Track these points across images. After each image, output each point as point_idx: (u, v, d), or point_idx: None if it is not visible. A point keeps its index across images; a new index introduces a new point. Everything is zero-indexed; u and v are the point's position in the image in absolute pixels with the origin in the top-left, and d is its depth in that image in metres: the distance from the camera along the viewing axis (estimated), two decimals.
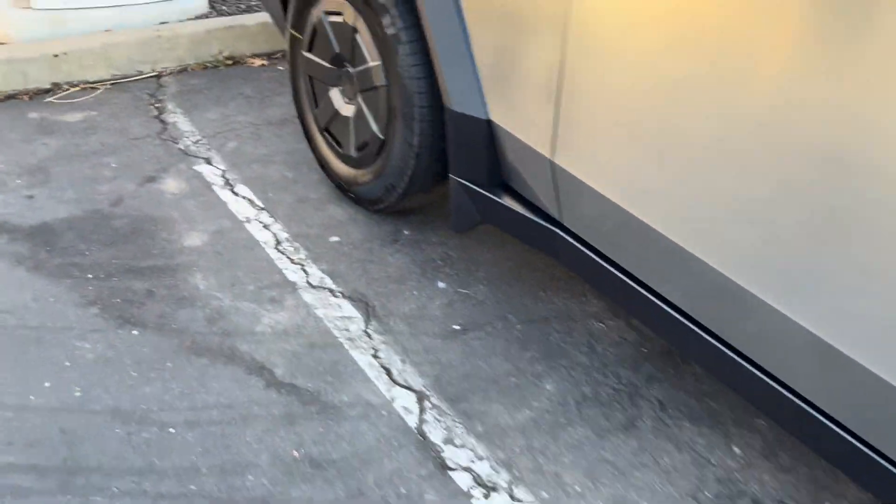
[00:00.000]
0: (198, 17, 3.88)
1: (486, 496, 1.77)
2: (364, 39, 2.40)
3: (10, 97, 3.33)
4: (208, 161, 2.99)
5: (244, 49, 3.82)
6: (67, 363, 2.03)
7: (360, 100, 2.52)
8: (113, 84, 3.49)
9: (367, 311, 2.30)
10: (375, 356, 2.14)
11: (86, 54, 3.44)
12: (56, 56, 3.37)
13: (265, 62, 3.80)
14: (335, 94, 2.66)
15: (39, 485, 1.71)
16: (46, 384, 1.97)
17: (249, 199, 2.77)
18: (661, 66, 1.60)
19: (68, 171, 2.86)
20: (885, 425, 1.43)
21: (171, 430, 1.87)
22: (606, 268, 1.97)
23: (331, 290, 2.37)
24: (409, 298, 2.36)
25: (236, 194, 2.79)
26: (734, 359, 1.67)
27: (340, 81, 2.62)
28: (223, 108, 3.36)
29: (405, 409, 1.98)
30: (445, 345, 2.20)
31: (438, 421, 1.95)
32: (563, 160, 1.93)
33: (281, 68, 3.79)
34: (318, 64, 2.66)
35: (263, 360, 2.08)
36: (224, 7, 4.06)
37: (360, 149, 2.61)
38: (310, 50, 2.70)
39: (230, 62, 3.77)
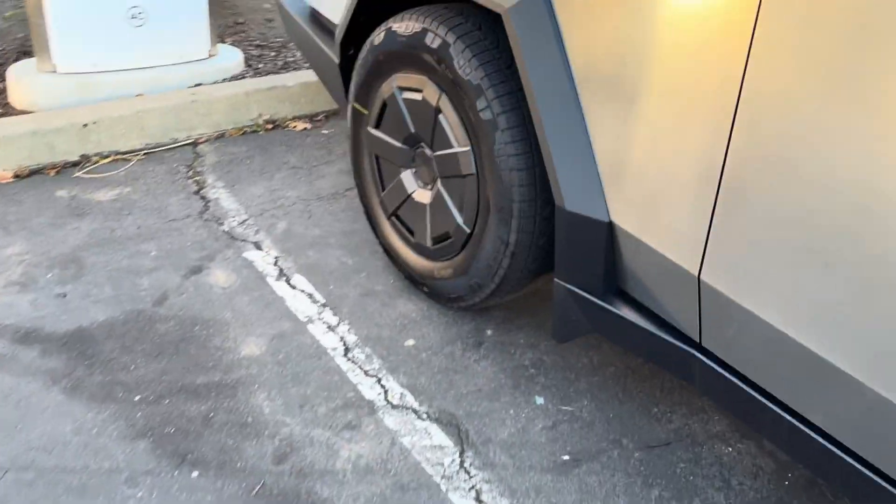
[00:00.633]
0: (234, 78, 3.61)
1: None
2: (449, 121, 2.11)
3: (36, 172, 3.04)
4: (258, 246, 2.69)
5: (285, 111, 3.54)
6: None
7: (440, 186, 2.23)
8: (146, 154, 3.20)
9: (461, 439, 1.98)
10: (479, 500, 1.82)
11: (117, 122, 3.15)
12: (85, 126, 3.08)
13: (308, 125, 3.52)
14: (408, 178, 2.37)
15: None
16: None
17: (309, 294, 2.46)
18: (870, 176, 1.30)
19: (104, 261, 2.56)
20: None
21: None
22: (753, 395, 1.67)
23: (415, 411, 2.05)
24: (507, 420, 2.04)
25: (293, 287, 2.49)
26: None
27: (415, 164, 2.33)
28: (268, 182, 3.07)
29: None
30: (557, 482, 1.87)
31: None
32: (712, 278, 1.62)
33: (326, 132, 3.50)
34: (388, 143, 2.37)
35: None
36: (261, 65, 3.79)
37: (438, 240, 2.31)
38: (377, 126, 2.41)
39: (270, 126, 3.49)
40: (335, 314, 2.38)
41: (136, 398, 2.03)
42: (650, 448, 2.00)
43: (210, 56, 3.60)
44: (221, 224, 2.79)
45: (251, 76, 3.65)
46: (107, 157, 3.14)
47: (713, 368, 1.74)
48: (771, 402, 1.65)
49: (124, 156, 3.16)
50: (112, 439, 1.91)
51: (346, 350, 2.24)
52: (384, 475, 1.86)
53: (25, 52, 3.72)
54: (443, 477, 1.87)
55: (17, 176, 2.99)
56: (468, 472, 1.89)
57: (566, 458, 1.95)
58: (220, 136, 3.37)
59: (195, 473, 1.83)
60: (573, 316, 2.01)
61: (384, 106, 2.35)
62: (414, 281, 2.47)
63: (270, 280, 2.51)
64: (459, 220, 2.18)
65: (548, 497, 1.83)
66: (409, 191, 2.36)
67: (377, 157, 2.47)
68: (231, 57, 3.70)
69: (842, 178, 1.34)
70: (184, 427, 1.95)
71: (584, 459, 1.95)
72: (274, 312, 2.36)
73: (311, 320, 2.34)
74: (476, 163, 2.07)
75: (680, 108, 1.57)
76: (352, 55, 2.59)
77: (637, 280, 1.85)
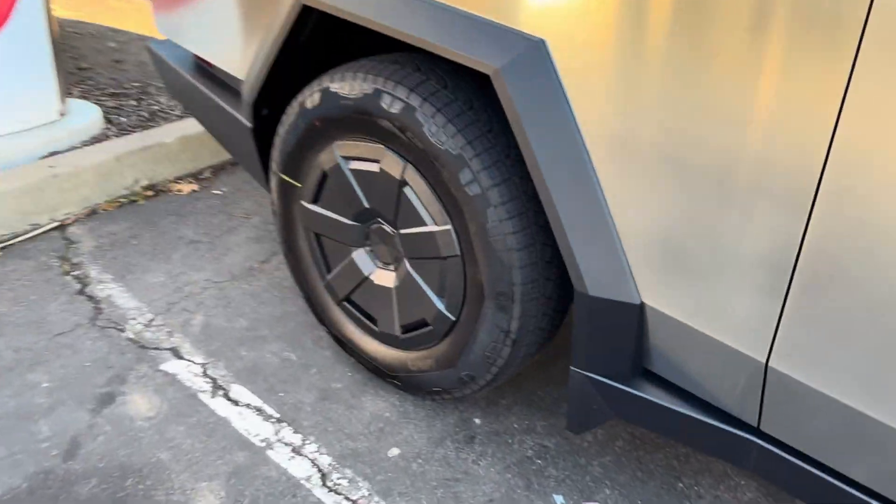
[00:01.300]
0: (94, 140, 3.05)
1: None
2: (420, 196, 1.78)
3: None
4: (176, 353, 2.23)
5: (165, 173, 3.03)
6: None
7: (409, 268, 1.90)
8: (2, 250, 2.62)
9: None
10: None
11: None
12: None
13: (195, 186, 3.03)
14: (361, 258, 2.01)
15: None
16: None
17: (257, 408, 2.05)
18: None
19: None
20: None
21: None
22: (824, 477, 1.50)
23: None
24: None
25: (235, 402, 2.07)
26: None
27: (370, 241, 1.99)
28: (166, 265, 2.59)
29: None
30: None
31: None
32: (785, 364, 1.42)
33: (218, 192, 3.03)
34: (332, 220, 2.01)
35: None
36: (122, 118, 3.24)
37: (409, 329, 1.99)
38: (315, 201, 2.04)
39: (151, 193, 2.97)
40: (296, 430, 1.99)
41: None
42: None
43: (61, 116, 3.02)
44: (123, 330, 2.30)
45: (115, 135, 3.10)
46: None
47: (776, 453, 1.56)
48: (845, 483, 1.49)
49: None
50: None
51: (324, 477, 1.87)
52: None
53: None
54: None
55: None
56: None
57: None
58: (93, 214, 2.82)
59: None
60: (593, 405, 1.76)
61: (324, 177, 1.99)
62: (380, 373, 2.13)
63: (205, 397, 2.08)
64: (440, 306, 1.87)
65: None
66: (366, 273, 2.02)
67: (317, 236, 2.10)
68: (86, 114, 3.13)
69: None
70: None
71: None
72: (221, 441, 1.94)
73: (269, 444, 1.95)
74: (460, 243, 1.76)
75: (745, 180, 1.34)
76: (266, 115, 2.19)
77: (675, 363, 1.63)
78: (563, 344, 2.22)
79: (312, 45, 2.02)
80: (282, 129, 2.02)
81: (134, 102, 3.40)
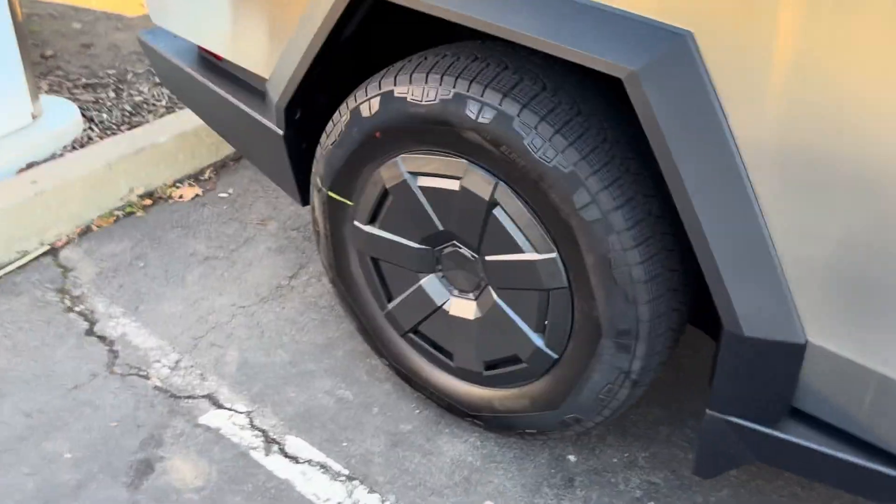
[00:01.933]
0: (77, 144, 2.66)
1: None
2: (516, 220, 1.49)
3: None
4: (214, 400, 1.93)
5: (162, 177, 2.67)
6: None
7: (497, 299, 1.62)
8: None
9: None
10: None
11: None
12: None
13: (199, 191, 2.68)
14: (432, 285, 1.73)
15: None
16: None
17: (321, 464, 1.77)
18: None
19: None
20: None
21: None
22: None
23: None
24: None
25: (295, 459, 1.78)
26: None
27: (442, 267, 1.70)
28: (181, 289, 2.27)
29: None
30: None
31: None
32: None
33: (224, 195, 2.68)
34: (395, 243, 1.71)
35: None
36: (103, 114, 2.84)
37: (495, 365, 1.72)
38: (372, 221, 1.73)
39: (149, 202, 2.62)
40: (371, 489, 1.73)
41: None
42: None
43: (34, 119, 2.62)
44: (147, 376, 1.99)
45: (98, 135, 2.72)
46: None
47: None
48: None
49: None
50: None
51: None
52: None
53: None
54: None
55: None
56: None
57: None
58: (86, 232, 2.46)
59: None
60: (730, 449, 1.53)
61: (384, 195, 1.68)
62: (456, 411, 1.86)
63: (258, 455, 1.79)
64: (538, 342, 1.60)
65: None
66: (438, 302, 1.73)
67: (374, 260, 1.81)
68: (62, 113, 2.73)
69: None
70: None
71: None
72: None
73: None
74: (568, 274, 1.49)
75: None
76: (299, 119, 1.86)
77: (838, 404, 1.39)
78: None
79: (357, 40, 1.69)
80: (327, 140, 1.70)
81: (113, 94, 3.00)
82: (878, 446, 1.39)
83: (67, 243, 2.42)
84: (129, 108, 2.92)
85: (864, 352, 1.29)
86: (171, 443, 1.82)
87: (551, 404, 1.66)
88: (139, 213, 2.57)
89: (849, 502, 1.75)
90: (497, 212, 1.51)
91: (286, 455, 1.80)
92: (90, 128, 2.76)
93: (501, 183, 1.47)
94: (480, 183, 1.50)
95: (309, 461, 1.79)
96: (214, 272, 2.34)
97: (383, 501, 1.70)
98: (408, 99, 1.51)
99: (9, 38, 2.49)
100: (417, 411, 1.92)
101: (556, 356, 1.59)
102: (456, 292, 1.71)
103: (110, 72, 3.15)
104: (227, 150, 2.83)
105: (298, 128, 1.87)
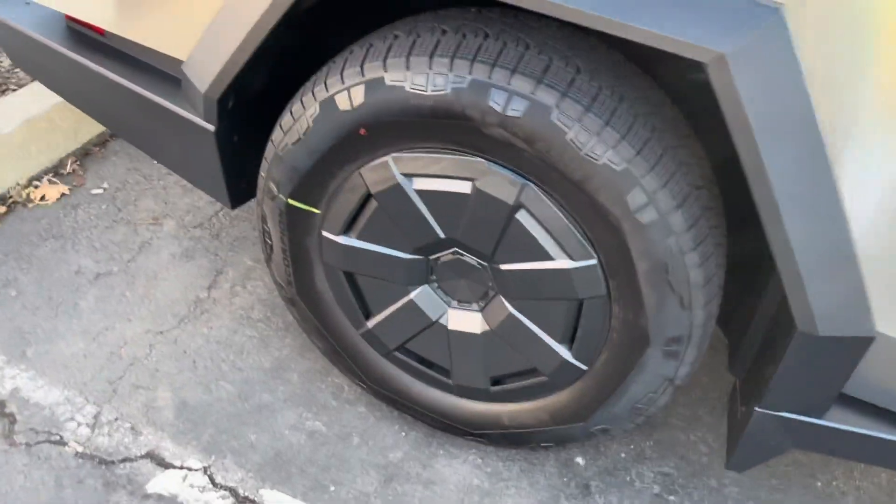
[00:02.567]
0: None
1: None
2: (549, 226, 1.27)
3: None
4: (157, 459, 1.57)
5: (14, 175, 2.14)
6: None
7: (511, 310, 1.40)
8: None
9: None
10: None
11: None
12: None
13: (65, 190, 2.17)
14: (426, 298, 1.48)
15: None
16: None
17: None
18: None
19: None
20: None
21: None
22: None
23: None
24: None
25: None
26: None
27: (438, 277, 1.45)
28: (76, 320, 1.83)
29: None
30: None
31: None
32: None
33: (98, 191, 2.20)
34: (378, 255, 1.43)
35: None
36: None
37: (503, 380, 1.52)
38: (346, 231, 1.44)
39: (3, 208, 2.10)
40: None
41: None
42: None
43: None
44: (62, 442, 1.59)
45: None
46: None
47: None
48: None
49: None
50: None
51: None
52: None
53: None
54: None
55: None
56: None
57: None
58: None
59: None
60: (772, 442, 1.45)
61: (365, 201, 1.39)
62: (454, 430, 1.65)
63: None
64: (565, 354, 1.41)
65: None
66: (433, 316, 1.49)
67: (349, 275, 1.52)
68: None
69: None
70: None
71: None
72: None
73: None
74: (608, 282, 1.30)
75: None
76: (231, 109, 1.50)
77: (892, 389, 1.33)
78: None
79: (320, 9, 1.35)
80: (285, 138, 1.37)
81: None
82: None
83: None
84: None
85: None
86: None
87: (577, 417, 1.49)
88: None
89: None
90: (522, 216, 1.28)
91: None
92: None
93: (531, 185, 1.24)
94: (502, 185, 1.26)
95: None
96: (113, 293, 1.93)
97: None
98: (407, 88, 1.22)
99: None
100: (403, 434, 1.69)
101: (585, 368, 1.42)
102: (454, 304, 1.48)
103: None
104: (89, 133, 2.34)
105: (230, 120, 1.52)
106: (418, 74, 1.21)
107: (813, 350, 1.25)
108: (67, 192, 2.19)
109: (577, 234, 1.26)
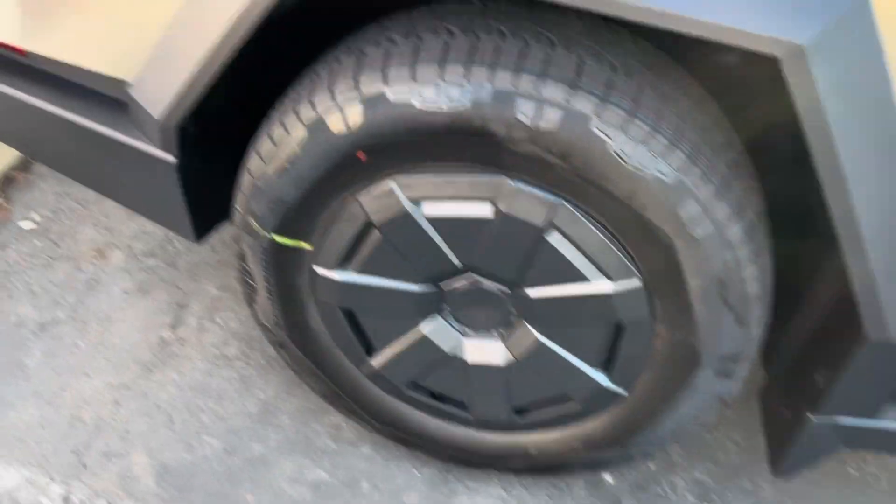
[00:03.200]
0: None
1: None
2: (586, 247, 1.11)
3: None
4: None
5: None
6: None
7: (539, 338, 1.25)
8: None
9: None
10: None
11: None
12: None
13: (34, 221, 1.90)
14: (438, 330, 1.30)
15: None
16: None
17: None
18: None
19: None
20: None
21: None
22: None
23: None
24: None
25: None
26: None
27: (450, 306, 1.28)
28: (25, 381, 1.58)
29: None
30: None
31: None
32: None
33: (29, 224, 1.93)
34: (382, 289, 1.25)
35: None
36: None
37: (527, 409, 1.37)
38: (343, 265, 1.25)
39: None
40: None
41: None
42: None
43: None
44: None
45: None
46: None
47: None
48: None
49: None
50: None
51: None
52: None
53: None
54: None
55: None
56: None
57: None
58: None
59: None
60: (824, 446, 1.35)
61: (365, 231, 1.21)
62: (474, 464, 1.50)
63: None
64: (602, 380, 1.27)
65: None
66: (447, 349, 1.33)
67: (347, 312, 1.33)
68: None
69: None
70: None
71: None
72: None
73: None
74: (653, 302, 1.15)
75: None
76: (191, 133, 1.28)
77: None
78: None
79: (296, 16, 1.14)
80: (265, 167, 1.17)
81: None
82: None
83: None
84: None
85: None
86: None
87: (614, 443, 1.36)
88: None
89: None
90: (553, 238, 1.12)
91: None
92: None
93: (565, 204, 1.09)
94: (531, 206, 1.09)
95: None
96: (63, 344, 1.69)
97: None
98: (415, 104, 1.03)
99: None
100: (416, 472, 1.54)
101: (623, 392, 1.29)
102: (470, 333, 1.32)
103: None
104: (9, 154, 2.06)
105: (191, 146, 1.30)
106: (428, 86, 1.03)
107: (881, 357, 1.15)
108: (36, 226, 1.91)
109: (618, 253, 1.11)
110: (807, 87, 0.91)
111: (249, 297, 1.38)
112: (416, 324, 1.32)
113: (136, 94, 1.24)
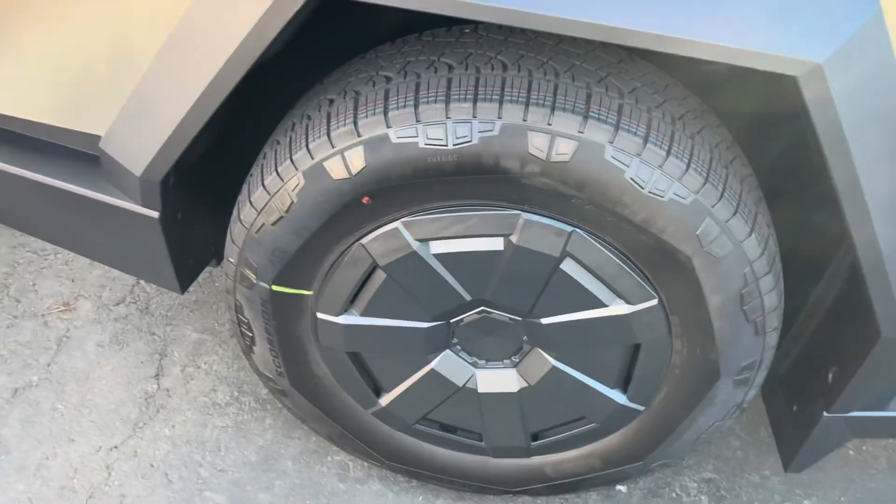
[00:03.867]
0: None
1: None
2: (602, 272, 1.08)
3: None
4: None
5: None
6: None
7: (553, 363, 1.22)
8: None
9: None
10: None
11: None
12: None
13: (65, 305, 1.77)
14: (448, 364, 1.27)
15: None
16: None
17: None
18: None
19: None
20: None
21: None
22: None
23: None
24: None
25: None
26: None
27: (460, 339, 1.25)
28: (5, 454, 1.48)
29: None
30: None
31: None
32: None
33: (27, 271, 1.82)
34: (389, 329, 1.21)
35: None
36: None
37: (543, 433, 1.35)
38: (347, 309, 1.20)
39: None
40: None
41: None
42: None
43: None
44: None
45: None
46: None
47: None
48: None
49: None
50: None
51: None
52: None
53: None
54: None
55: None
56: None
57: None
58: None
59: None
60: (835, 439, 1.37)
61: (370, 274, 1.16)
62: (491, 490, 1.47)
63: None
64: (620, 399, 1.25)
65: None
66: (459, 382, 1.29)
67: (353, 355, 1.28)
68: None
69: None
70: None
71: None
72: None
73: None
74: (670, 320, 1.14)
75: None
76: (172, 186, 1.20)
77: None
78: None
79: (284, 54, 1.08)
80: (261, 217, 1.11)
81: None
82: None
83: None
84: None
85: None
86: None
87: (633, 458, 1.36)
88: None
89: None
90: (568, 266, 1.10)
91: None
92: None
93: (579, 232, 1.06)
94: (544, 237, 1.07)
95: None
96: (41, 409, 1.59)
97: None
98: (420, 144, 0.99)
99: None
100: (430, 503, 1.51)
101: (642, 409, 1.28)
102: (482, 363, 1.29)
103: None
104: None
105: (173, 199, 1.23)
106: (433, 126, 0.99)
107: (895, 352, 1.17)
108: (68, 307, 1.79)
109: (635, 277, 1.10)
110: (824, 102, 0.90)
111: (247, 347, 1.32)
112: (426, 361, 1.28)
113: (109, 149, 1.17)
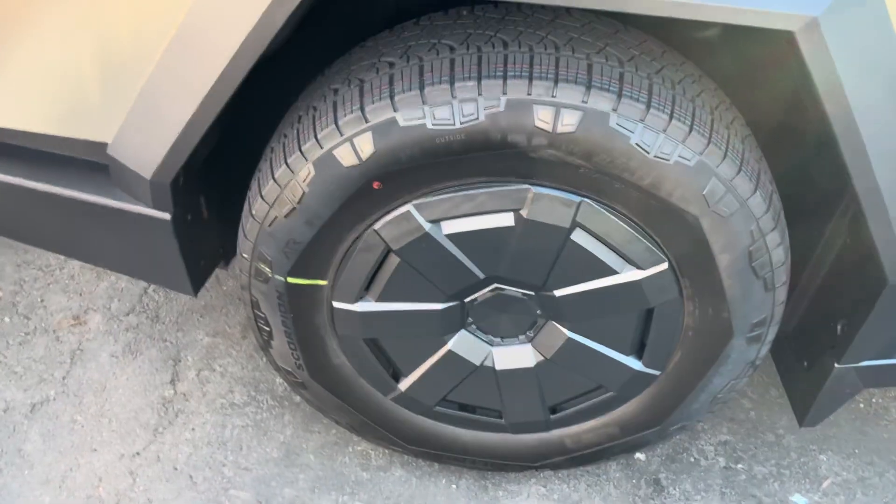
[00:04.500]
0: None
1: None
2: (611, 240, 1.11)
3: None
4: None
5: None
6: None
7: (568, 335, 1.24)
8: None
9: None
10: None
11: None
12: None
13: (75, 319, 1.78)
14: (465, 344, 1.29)
15: None
16: None
17: None
18: None
19: None
20: None
21: None
22: None
23: None
24: None
25: None
26: None
27: (476, 318, 1.26)
28: (28, 469, 1.48)
29: None
30: None
31: None
32: None
33: (34, 288, 1.82)
34: (405, 313, 1.23)
35: None
36: None
37: (561, 405, 1.37)
38: (363, 296, 1.22)
39: None
40: None
41: None
42: None
43: None
44: None
45: None
46: None
47: None
48: None
49: None
50: None
51: None
52: None
53: None
54: None
55: None
56: None
57: None
58: None
59: None
60: (847, 390, 1.40)
61: (384, 258, 1.17)
62: (512, 467, 1.49)
63: None
64: (636, 366, 1.28)
65: None
66: (477, 361, 1.31)
67: (372, 341, 1.30)
68: None
69: None
70: None
71: None
72: None
73: None
74: (681, 283, 1.16)
75: None
76: (182, 186, 1.22)
77: None
78: None
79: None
80: (273, 210, 1.13)
81: None
82: None
83: None
84: None
85: None
86: None
87: (651, 423, 1.38)
88: None
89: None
90: (578, 236, 1.12)
91: None
92: None
93: (587, 202, 1.08)
94: (554, 209, 1.09)
95: None
96: (60, 422, 1.60)
97: None
98: (428, 126, 1.01)
99: None
100: (454, 486, 1.52)
101: (657, 374, 1.30)
102: (498, 341, 1.31)
103: None
104: None
105: (183, 200, 1.24)
106: (440, 106, 1.00)
107: None
108: (79, 321, 1.79)
109: (645, 242, 1.12)
110: (822, 56, 0.93)
111: (265, 343, 1.33)
112: (442, 342, 1.30)
113: (117, 154, 1.18)
